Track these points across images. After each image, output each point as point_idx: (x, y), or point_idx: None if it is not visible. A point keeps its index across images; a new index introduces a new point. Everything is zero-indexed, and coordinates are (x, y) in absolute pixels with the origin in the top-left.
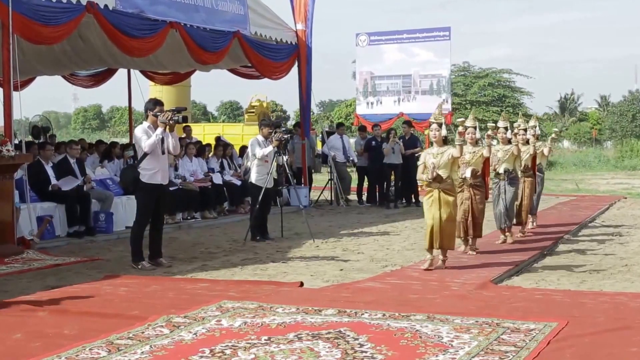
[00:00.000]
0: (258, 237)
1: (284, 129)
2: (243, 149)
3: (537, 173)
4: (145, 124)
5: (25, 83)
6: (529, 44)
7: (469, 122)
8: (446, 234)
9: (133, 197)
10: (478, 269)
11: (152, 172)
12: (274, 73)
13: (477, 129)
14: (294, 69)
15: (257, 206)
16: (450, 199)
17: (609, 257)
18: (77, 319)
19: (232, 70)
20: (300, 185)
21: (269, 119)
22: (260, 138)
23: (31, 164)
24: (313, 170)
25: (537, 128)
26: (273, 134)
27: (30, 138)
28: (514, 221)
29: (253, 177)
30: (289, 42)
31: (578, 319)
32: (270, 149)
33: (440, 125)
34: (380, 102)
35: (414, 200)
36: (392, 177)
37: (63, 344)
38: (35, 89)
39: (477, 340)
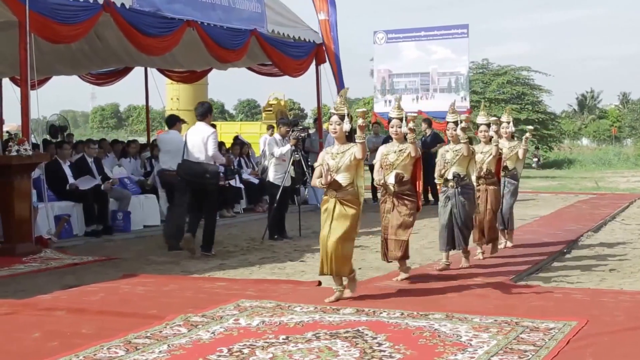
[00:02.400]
0: (276, 236)
1: (300, 127)
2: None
3: (510, 180)
4: (277, 135)
5: (41, 82)
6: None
7: (393, 114)
8: (338, 257)
9: (150, 196)
10: (497, 268)
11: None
12: (295, 70)
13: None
14: (312, 67)
15: (275, 205)
16: (350, 212)
17: (629, 255)
18: (94, 318)
19: (250, 68)
20: None
21: (287, 118)
22: (278, 137)
23: (49, 163)
24: None
25: (511, 125)
26: (290, 132)
27: (47, 137)
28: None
29: (271, 176)
30: (306, 40)
31: (598, 317)
32: (287, 147)
33: (342, 117)
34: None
35: (431, 198)
36: None
37: (81, 343)
38: (53, 88)
39: (496, 339)
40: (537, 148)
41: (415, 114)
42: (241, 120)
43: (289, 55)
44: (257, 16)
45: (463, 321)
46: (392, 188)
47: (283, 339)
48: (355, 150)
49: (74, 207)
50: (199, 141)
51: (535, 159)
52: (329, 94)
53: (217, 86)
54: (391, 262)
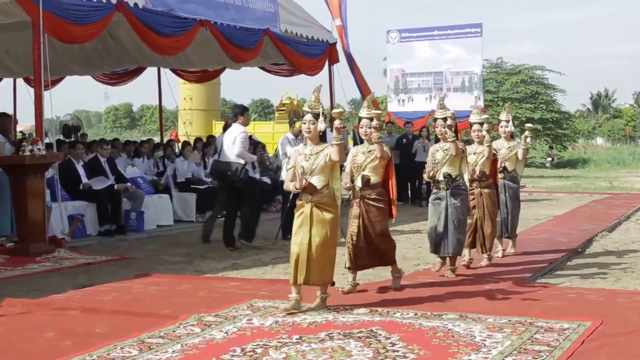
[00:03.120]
0: (289, 236)
1: None
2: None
3: (509, 183)
4: (290, 135)
5: (55, 82)
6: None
7: (362, 113)
8: (316, 265)
9: (164, 196)
10: (511, 268)
11: None
12: (311, 69)
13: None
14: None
15: (288, 204)
16: (328, 216)
17: None
18: (108, 318)
19: (263, 68)
20: None
21: (299, 117)
22: (291, 136)
23: (62, 163)
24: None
25: (510, 124)
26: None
27: (61, 137)
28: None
29: (284, 175)
30: (320, 40)
31: (612, 318)
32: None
33: (316, 116)
34: (412, 100)
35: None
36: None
37: (94, 343)
38: (66, 88)
39: (510, 339)
40: (551, 148)
41: (380, 112)
42: (254, 120)
43: (303, 54)
44: (270, 16)
45: (477, 321)
46: (358, 192)
47: (296, 339)
48: (330, 151)
49: (87, 206)
50: (230, 141)
51: (550, 159)
52: (342, 93)
53: (230, 86)
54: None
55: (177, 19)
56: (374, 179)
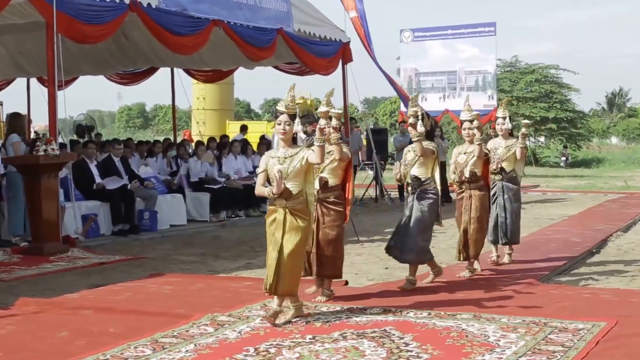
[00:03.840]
0: None
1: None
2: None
3: (508, 184)
4: (302, 135)
5: (69, 82)
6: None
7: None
8: (289, 276)
9: (177, 195)
10: (525, 268)
11: None
12: (325, 68)
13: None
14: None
15: None
16: (302, 224)
17: None
18: (121, 317)
19: (277, 67)
20: None
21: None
22: (303, 136)
23: (76, 162)
24: (357, 168)
25: (507, 121)
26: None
27: (74, 137)
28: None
29: None
30: (333, 39)
31: (627, 318)
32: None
33: (292, 117)
34: (425, 99)
35: None
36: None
37: (108, 342)
38: (80, 88)
39: (524, 339)
40: (565, 147)
41: (340, 111)
42: (267, 119)
43: (316, 53)
44: (283, 15)
45: (491, 321)
46: (315, 193)
47: (310, 338)
48: (307, 154)
49: (100, 206)
50: None
51: (564, 158)
52: (355, 92)
53: (243, 86)
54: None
55: (191, 18)
56: (332, 182)
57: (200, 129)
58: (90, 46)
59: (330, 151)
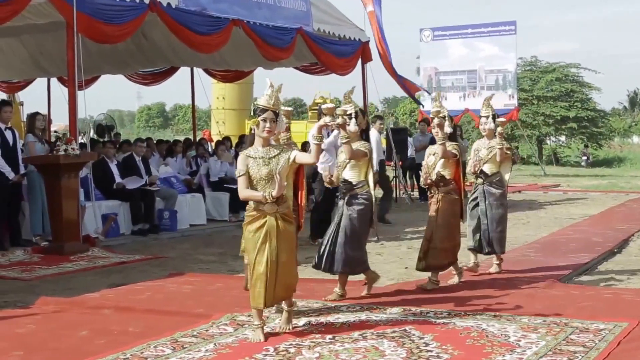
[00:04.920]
0: (318, 240)
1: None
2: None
3: (490, 188)
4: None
5: (89, 82)
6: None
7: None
8: (287, 284)
9: (197, 195)
10: (546, 268)
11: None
12: (342, 68)
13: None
14: (358, 65)
15: (320, 200)
16: (292, 228)
17: None
18: (141, 317)
19: (296, 67)
20: None
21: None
22: (335, 132)
23: (96, 162)
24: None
25: (490, 120)
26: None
27: (95, 136)
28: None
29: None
30: (352, 38)
31: None
32: (332, 136)
33: (275, 114)
34: (445, 98)
35: None
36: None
37: (128, 342)
38: (100, 88)
39: (545, 340)
40: (586, 146)
41: (290, 110)
42: None
43: (335, 53)
44: (303, 14)
45: (511, 321)
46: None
47: (329, 338)
48: (295, 154)
49: (120, 206)
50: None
51: (585, 157)
52: (374, 92)
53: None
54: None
55: (210, 18)
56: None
57: (219, 129)
58: (109, 46)
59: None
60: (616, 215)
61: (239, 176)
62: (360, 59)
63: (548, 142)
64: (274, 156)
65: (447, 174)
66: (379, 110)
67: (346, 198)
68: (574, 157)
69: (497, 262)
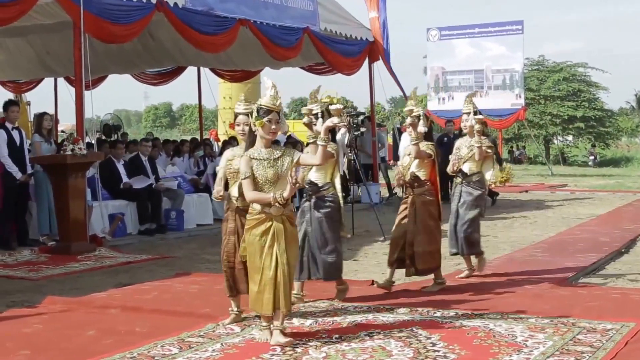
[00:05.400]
0: None
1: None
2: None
3: (468, 189)
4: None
5: (97, 82)
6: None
7: (239, 108)
8: (288, 288)
9: (204, 195)
10: (553, 267)
11: None
12: (348, 68)
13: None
14: (365, 65)
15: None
16: (295, 231)
17: None
18: (148, 317)
19: (302, 67)
20: (370, 182)
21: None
22: (342, 130)
23: (103, 162)
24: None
25: (471, 117)
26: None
27: (102, 136)
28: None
29: None
30: (359, 38)
31: None
32: (340, 133)
33: (279, 115)
34: (452, 98)
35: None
36: None
37: (135, 341)
38: (107, 88)
39: (552, 340)
40: (593, 146)
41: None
42: (294, 119)
43: (341, 53)
44: (310, 14)
45: (518, 321)
46: (235, 202)
47: (336, 338)
48: (299, 156)
49: (127, 206)
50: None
51: (592, 157)
52: (382, 91)
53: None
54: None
55: (217, 18)
56: None
57: (226, 129)
58: (116, 46)
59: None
60: (624, 215)
61: (244, 178)
62: (367, 59)
63: (555, 141)
64: (278, 157)
65: (422, 174)
66: (385, 110)
67: (312, 200)
68: (581, 156)
69: (469, 268)
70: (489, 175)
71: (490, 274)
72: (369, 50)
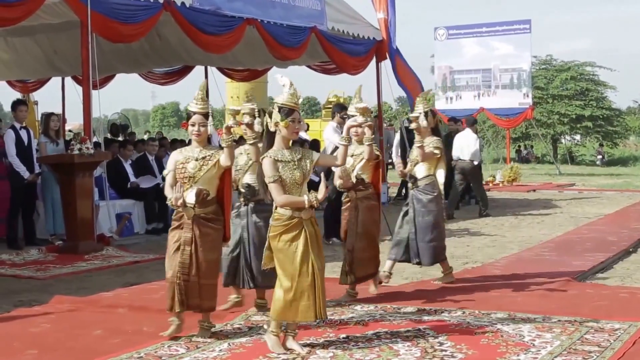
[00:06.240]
0: (333, 239)
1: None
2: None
3: (418, 193)
4: (333, 123)
5: (104, 81)
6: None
7: (194, 107)
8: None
9: None
10: (561, 267)
11: None
12: (354, 68)
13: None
14: (372, 64)
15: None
16: (320, 234)
17: None
18: (155, 316)
19: (309, 66)
20: None
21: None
22: (334, 124)
23: (110, 161)
24: (389, 167)
25: (422, 117)
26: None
27: (109, 136)
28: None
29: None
30: (366, 37)
31: None
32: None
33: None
34: (460, 97)
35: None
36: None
37: (142, 341)
38: (114, 87)
39: (560, 339)
40: (601, 145)
41: (239, 108)
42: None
43: (348, 52)
44: (317, 13)
45: (526, 321)
46: (192, 210)
47: (344, 337)
48: (318, 156)
49: (134, 205)
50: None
51: (600, 156)
52: (389, 91)
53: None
54: (181, 312)
55: (224, 17)
56: (210, 194)
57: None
58: (123, 45)
59: (205, 156)
60: (631, 215)
61: (272, 182)
62: (374, 58)
63: (563, 141)
64: (301, 158)
65: (365, 177)
66: (392, 110)
67: (251, 205)
68: (589, 156)
69: (445, 272)
70: (441, 177)
71: (498, 273)
72: (376, 50)
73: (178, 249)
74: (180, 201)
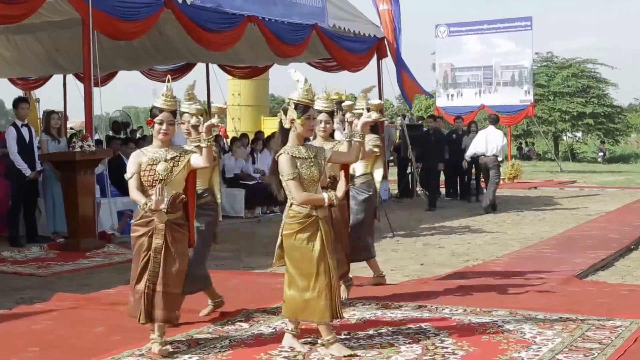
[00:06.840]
0: None
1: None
2: None
3: (353, 192)
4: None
5: (106, 79)
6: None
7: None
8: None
9: None
10: (562, 264)
11: None
12: (354, 65)
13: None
14: (373, 61)
15: None
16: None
17: None
18: None
19: (310, 63)
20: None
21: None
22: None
23: (112, 159)
24: (391, 164)
25: (364, 110)
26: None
27: (111, 133)
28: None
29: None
30: (367, 35)
31: None
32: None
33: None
34: (461, 94)
35: None
36: (473, 171)
37: (143, 338)
38: (116, 85)
39: (561, 336)
40: (602, 142)
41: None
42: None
43: (349, 50)
44: (318, 11)
45: (527, 318)
46: (165, 215)
47: (345, 334)
48: (331, 154)
49: (136, 202)
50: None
51: (601, 153)
52: (390, 88)
53: (279, 81)
54: (146, 324)
55: (225, 14)
56: (184, 198)
57: (235, 125)
58: (124, 42)
59: (174, 156)
60: (633, 212)
61: (291, 179)
62: (375, 55)
63: (564, 138)
64: (316, 155)
65: (338, 175)
66: (394, 107)
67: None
68: (590, 153)
69: (376, 276)
70: (379, 175)
71: (499, 270)
72: (377, 47)
73: (148, 257)
74: (162, 205)
